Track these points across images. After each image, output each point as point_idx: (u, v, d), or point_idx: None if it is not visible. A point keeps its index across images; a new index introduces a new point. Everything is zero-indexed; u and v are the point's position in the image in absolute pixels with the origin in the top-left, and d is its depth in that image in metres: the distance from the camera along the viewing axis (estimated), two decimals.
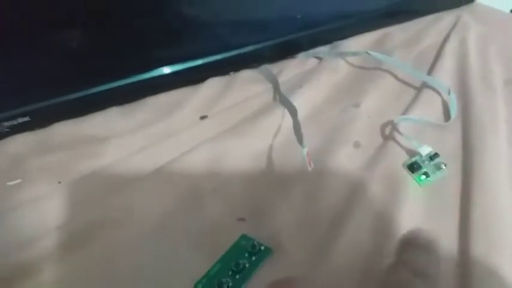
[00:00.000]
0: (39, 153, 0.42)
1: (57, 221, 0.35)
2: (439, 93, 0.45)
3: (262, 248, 0.31)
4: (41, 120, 0.45)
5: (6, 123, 0.43)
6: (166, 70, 0.49)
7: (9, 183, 0.39)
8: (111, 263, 0.32)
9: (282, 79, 0.50)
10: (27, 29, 0.41)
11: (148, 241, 0.33)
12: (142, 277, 0.30)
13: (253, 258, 0.30)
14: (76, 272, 0.31)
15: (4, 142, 0.43)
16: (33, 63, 0.42)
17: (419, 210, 0.34)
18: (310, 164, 0.34)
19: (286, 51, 0.55)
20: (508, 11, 0.80)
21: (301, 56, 0.54)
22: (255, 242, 0.31)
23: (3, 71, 0.41)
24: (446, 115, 0.43)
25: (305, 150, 0.33)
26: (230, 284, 0.28)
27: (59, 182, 0.38)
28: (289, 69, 0.52)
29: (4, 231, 0.35)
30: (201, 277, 0.29)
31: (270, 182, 0.38)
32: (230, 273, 0.29)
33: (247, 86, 0.50)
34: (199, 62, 0.51)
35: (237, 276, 0.29)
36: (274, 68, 0.53)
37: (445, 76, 0.48)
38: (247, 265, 0.30)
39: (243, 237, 0.32)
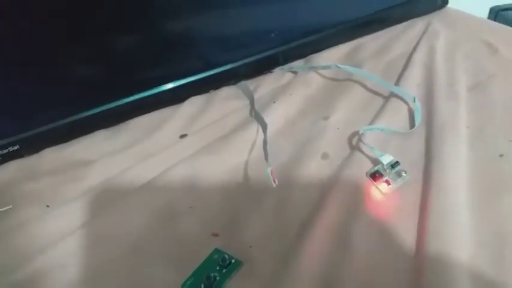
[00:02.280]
0: (28, 179, 0.44)
1: (46, 243, 0.38)
2: (405, 102, 0.48)
3: (233, 261, 0.33)
4: (30, 147, 0.48)
5: None
6: (149, 92, 0.52)
7: (0, 210, 0.42)
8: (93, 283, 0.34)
9: (258, 94, 0.53)
10: (15, 65, 0.44)
11: (126, 260, 0.36)
12: None
13: (224, 270, 0.32)
14: None
15: None
16: (22, 95, 0.45)
17: (380, 216, 0.36)
18: (274, 181, 0.36)
19: (263, 67, 0.57)
20: (484, 13, 0.82)
21: (277, 70, 0.57)
22: (226, 255, 0.33)
23: None
24: (412, 123, 0.45)
25: (269, 169, 0.36)
26: None
27: (47, 206, 0.41)
28: (265, 85, 0.55)
29: None
30: None
31: (243, 197, 0.40)
32: (202, 286, 0.31)
33: (225, 103, 0.52)
34: (180, 82, 0.53)
35: None
36: (251, 83, 0.56)
37: (412, 85, 0.50)
38: (218, 278, 0.32)
39: (216, 251, 0.34)
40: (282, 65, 0.58)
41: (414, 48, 0.57)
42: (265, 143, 0.40)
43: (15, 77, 0.45)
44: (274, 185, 0.36)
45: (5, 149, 0.46)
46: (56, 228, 0.39)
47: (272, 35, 0.56)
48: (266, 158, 0.37)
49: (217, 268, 0.33)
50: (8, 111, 0.46)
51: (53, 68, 0.47)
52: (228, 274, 0.32)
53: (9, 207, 0.41)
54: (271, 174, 0.35)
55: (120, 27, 0.48)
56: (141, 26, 0.49)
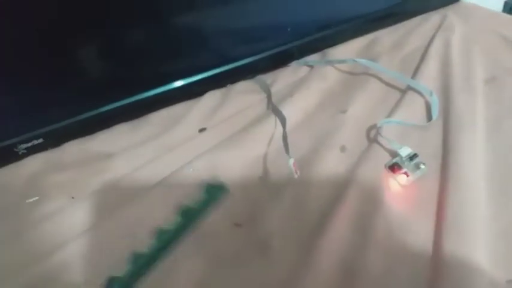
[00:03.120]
0: (53, 172, 0.46)
1: (72, 233, 0.39)
2: (422, 95, 0.48)
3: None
4: (54, 140, 0.49)
5: (22, 146, 0.47)
6: (168, 87, 0.53)
7: (28, 201, 0.43)
8: None
9: (275, 88, 0.53)
10: (39, 60, 0.45)
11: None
12: None
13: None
14: None
15: (21, 163, 0.47)
16: (44, 89, 0.46)
17: (399, 209, 0.37)
18: (296, 173, 0.37)
19: (279, 61, 0.58)
20: (498, 6, 0.82)
21: (293, 64, 0.58)
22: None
23: (19, 99, 0.45)
24: (429, 116, 0.46)
25: (291, 161, 0.36)
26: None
27: (72, 197, 0.42)
28: (282, 79, 0.55)
29: (26, 245, 0.39)
30: None
31: (263, 189, 0.41)
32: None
33: (243, 97, 0.53)
34: (198, 77, 0.54)
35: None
36: (268, 77, 0.56)
37: (428, 78, 0.50)
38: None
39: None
40: (298, 59, 0.58)
41: (430, 42, 0.57)
42: (285, 136, 0.40)
43: (38, 72, 0.46)
44: (296, 176, 0.37)
45: (30, 142, 0.47)
46: (81, 219, 0.40)
47: (288, 29, 0.56)
48: (287, 151, 0.38)
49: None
50: (32, 105, 0.47)
51: (75, 63, 0.48)
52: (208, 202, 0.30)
53: (36, 198, 0.43)
54: (294, 165, 0.36)
55: (139, 22, 0.49)
56: (160, 20, 0.50)
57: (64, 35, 0.45)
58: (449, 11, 0.64)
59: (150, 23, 0.50)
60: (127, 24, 0.49)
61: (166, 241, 0.24)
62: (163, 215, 0.38)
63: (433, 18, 0.63)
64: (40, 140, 0.48)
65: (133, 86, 0.52)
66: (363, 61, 0.51)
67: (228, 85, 0.56)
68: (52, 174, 0.45)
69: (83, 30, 0.46)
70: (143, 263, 0.23)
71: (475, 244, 0.33)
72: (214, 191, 0.26)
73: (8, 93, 0.45)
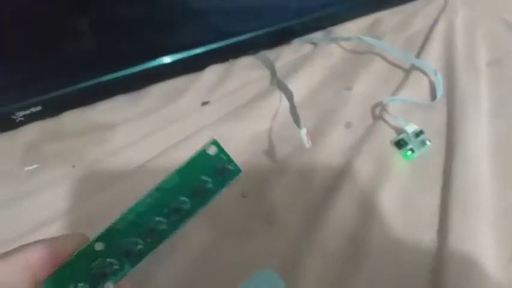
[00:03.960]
0: (52, 140, 0.45)
1: (72, 203, 0.38)
2: (426, 74, 0.48)
3: (231, 166, 0.23)
4: (52, 109, 0.48)
5: (20, 113, 0.46)
6: (169, 59, 0.52)
7: (26, 168, 0.42)
8: None
9: (278, 64, 0.53)
10: (36, 25, 0.43)
11: None
12: None
13: (219, 178, 0.22)
14: None
15: (19, 131, 0.46)
16: (43, 56, 0.45)
17: (405, 182, 0.37)
18: (308, 143, 0.37)
19: (283, 37, 0.57)
20: None
21: (296, 41, 0.57)
22: (223, 155, 0.22)
23: (16, 65, 0.44)
24: (433, 95, 0.46)
25: (304, 130, 0.36)
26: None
27: (73, 166, 0.41)
28: (285, 55, 0.54)
29: (24, 213, 0.38)
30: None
31: (268, 162, 0.41)
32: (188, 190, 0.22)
33: (246, 72, 0.52)
34: (199, 50, 0.53)
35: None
36: (271, 54, 0.56)
37: (432, 58, 0.50)
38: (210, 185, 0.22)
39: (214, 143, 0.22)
40: (301, 36, 0.57)
41: (433, 24, 0.57)
42: (293, 108, 0.40)
43: (36, 39, 0.44)
44: (308, 146, 0.37)
45: (28, 109, 0.46)
46: (83, 188, 0.39)
47: (293, 4, 0.55)
48: (297, 123, 0.38)
49: (210, 172, 0.22)
50: (30, 72, 0.46)
51: (73, 31, 0.47)
52: (223, 184, 0.22)
53: (35, 166, 0.42)
54: (306, 135, 0.36)
55: None
56: None
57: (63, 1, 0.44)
58: None
59: None
60: None
61: (177, 222, 0.22)
62: None
63: (436, 1, 0.63)
64: (38, 108, 0.46)
65: (133, 56, 0.50)
66: (368, 39, 0.51)
67: (230, 60, 0.55)
68: (51, 143, 0.44)
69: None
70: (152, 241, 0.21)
71: (479, 219, 0.33)
72: (228, 173, 0.22)
73: (6, 59, 0.44)
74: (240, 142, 0.43)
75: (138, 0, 0.48)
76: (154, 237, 0.21)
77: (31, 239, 0.21)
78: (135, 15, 0.49)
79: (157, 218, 0.21)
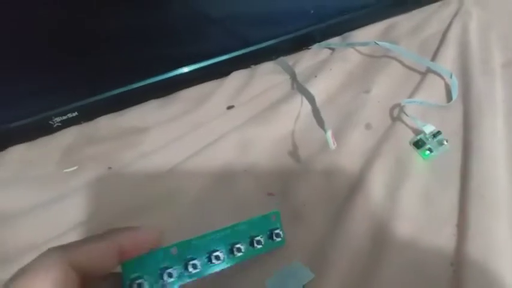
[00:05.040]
0: (88, 144, 0.48)
1: (109, 203, 0.41)
2: (442, 77, 0.50)
3: (279, 239, 0.30)
4: (87, 114, 0.51)
5: (57, 119, 0.49)
6: (195, 66, 0.55)
7: (65, 170, 0.45)
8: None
9: (298, 69, 0.55)
10: (74, 36, 0.46)
11: (188, 216, 0.39)
12: None
13: (269, 241, 0.30)
14: None
15: (56, 135, 0.49)
16: (80, 65, 0.48)
17: (424, 180, 0.39)
18: (334, 143, 0.39)
19: (301, 43, 0.60)
20: None
21: (314, 47, 0.59)
22: (279, 230, 0.30)
23: (53, 73, 0.47)
24: (449, 97, 0.48)
25: (330, 132, 0.38)
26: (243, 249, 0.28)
27: (110, 168, 0.44)
28: (304, 60, 0.57)
29: (64, 213, 0.41)
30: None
31: (293, 163, 0.43)
32: (244, 242, 0.28)
33: (267, 77, 0.55)
34: (223, 57, 0.56)
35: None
36: (290, 59, 0.58)
37: (447, 62, 0.52)
38: (261, 245, 0.29)
39: (276, 213, 0.31)
40: (319, 41, 0.60)
41: (448, 27, 0.59)
42: (316, 111, 0.42)
43: (73, 49, 0.47)
44: (333, 147, 0.39)
45: (65, 115, 0.49)
46: (119, 189, 0.42)
47: (311, 11, 0.58)
48: (321, 125, 0.40)
49: (266, 233, 0.30)
50: (68, 79, 0.49)
51: (107, 41, 0.49)
52: (268, 248, 0.29)
53: (75, 168, 0.45)
54: (332, 137, 0.38)
55: (168, 2, 0.51)
56: (188, 2, 0.52)
57: (98, 9, 0.47)
58: None
59: (180, 4, 0.52)
60: (157, 3, 0.50)
61: (231, 259, 0.28)
62: (201, 181, 0.41)
63: (450, 4, 0.64)
64: (75, 114, 0.50)
65: (163, 64, 0.53)
66: (385, 44, 0.53)
67: (251, 66, 0.58)
68: (88, 146, 0.47)
69: (117, 7, 0.48)
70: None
71: (497, 214, 0.35)
72: (276, 241, 0.30)
73: (44, 68, 0.47)
74: (265, 144, 0.45)
75: (168, 13, 0.51)
76: (212, 264, 0.26)
77: (70, 239, 0.23)
78: (164, 26, 0.52)
79: (222, 249, 0.26)
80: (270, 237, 0.29)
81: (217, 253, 0.26)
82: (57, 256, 0.20)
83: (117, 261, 0.22)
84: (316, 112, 0.42)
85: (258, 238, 0.28)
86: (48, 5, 0.44)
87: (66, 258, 0.20)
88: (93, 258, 0.21)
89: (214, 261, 0.26)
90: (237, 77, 0.55)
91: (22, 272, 0.19)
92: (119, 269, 0.23)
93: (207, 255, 0.26)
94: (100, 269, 0.21)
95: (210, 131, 0.47)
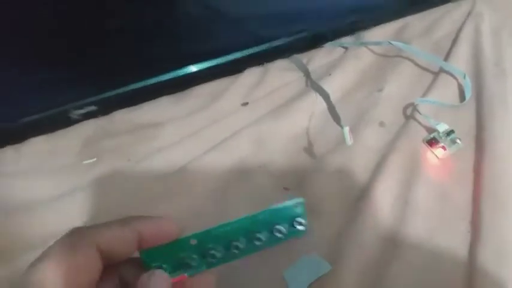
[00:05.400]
0: (107, 136, 0.49)
1: (129, 193, 0.42)
2: (454, 77, 0.51)
3: (301, 227, 0.27)
4: (105, 108, 0.52)
5: (76, 112, 0.50)
6: (210, 63, 0.56)
7: (85, 162, 0.46)
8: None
9: (311, 67, 0.56)
10: (92, 34, 0.48)
11: (205, 208, 0.40)
12: None
13: (291, 229, 0.27)
14: None
15: (76, 127, 0.50)
16: (99, 61, 0.49)
17: (438, 177, 0.40)
18: (351, 139, 0.40)
19: (314, 42, 0.61)
20: None
21: (328, 45, 0.60)
22: (302, 219, 0.27)
23: (74, 69, 0.48)
24: (461, 97, 0.48)
25: (347, 128, 0.39)
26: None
27: (129, 160, 0.45)
28: (317, 58, 0.58)
29: (85, 203, 0.42)
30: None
31: (307, 159, 0.44)
32: (263, 231, 0.26)
33: (281, 75, 0.56)
34: (237, 54, 0.57)
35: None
36: (303, 57, 0.59)
37: (460, 62, 0.53)
38: (282, 234, 0.27)
39: (300, 204, 0.27)
40: (332, 40, 0.61)
41: (460, 28, 0.59)
42: (332, 108, 0.43)
43: (93, 45, 0.49)
44: (350, 143, 0.40)
45: (84, 108, 0.50)
46: (138, 180, 0.43)
47: (325, 10, 0.59)
48: (337, 121, 0.41)
49: (288, 222, 0.27)
50: (86, 75, 0.50)
51: (124, 39, 0.50)
52: (290, 236, 0.27)
53: (94, 159, 0.46)
54: (349, 132, 0.39)
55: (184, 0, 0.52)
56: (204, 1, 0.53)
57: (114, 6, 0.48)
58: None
59: (196, 2, 0.53)
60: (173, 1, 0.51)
61: (252, 248, 0.27)
62: (218, 174, 0.42)
63: (462, 6, 0.65)
64: (93, 107, 0.51)
65: (178, 60, 0.54)
66: (399, 43, 0.54)
67: (265, 63, 0.59)
68: (106, 139, 0.48)
69: (136, 5, 0.49)
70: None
71: (509, 211, 0.36)
72: (298, 230, 0.27)
73: (66, 62, 0.48)
74: (281, 140, 0.46)
75: (184, 11, 0.52)
76: (232, 253, 0.25)
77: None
78: (180, 24, 0.53)
79: (241, 239, 0.25)
80: (292, 225, 0.27)
81: (236, 243, 0.26)
82: (82, 235, 0.21)
83: (136, 248, 0.22)
84: (331, 109, 0.43)
85: (279, 227, 0.27)
86: (69, 3, 0.45)
87: (90, 238, 0.20)
88: (114, 242, 0.21)
89: (233, 250, 0.25)
90: (251, 74, 0.56)
91: (49, 251, 0.20)
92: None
93: (226, 245, 0.25)
94: (120, 253, 0.21)
95: (225, 127, 0.48)
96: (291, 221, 0.27)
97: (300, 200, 0.26)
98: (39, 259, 0.19)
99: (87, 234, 0.21)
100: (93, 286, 0.20)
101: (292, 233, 0.27)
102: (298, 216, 0.27)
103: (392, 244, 0.36)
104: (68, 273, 0.19)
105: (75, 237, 0.21)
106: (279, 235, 0.27)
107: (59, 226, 0.39)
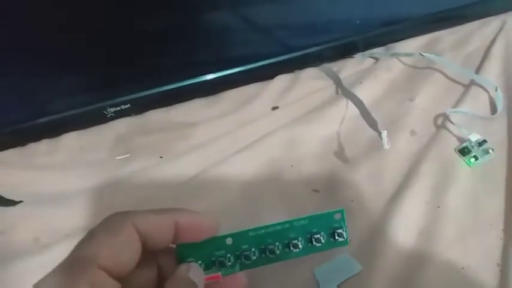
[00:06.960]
0: (140, 134, 0.50)
1: (160, 189, 0.43)
2: (486, 90, 0.51)
3: (342, 238, 0.26)
4: (139, 107, 0.53)
5: (111, 109, 0.52)
6: (242, 68, 0.57)
7: (118, 157, 0.47)
8: None
9: (342, 76, 0.56)
10: (128, 37, 0.49)
11: (236, 205, 0.41)
12: None
13: (331, 239, 0.26)
14: None
15: (110, 124, 0.52)
16: (136, 61, 0.51)
17: (470, 186, 0.40)
18: (388, 143, 0.40)
19: (345, 52, 0.61)
20: None
21: (358, 56, 0.61)
22: (344, 229, 0.26)
23: (113, 67, 0.50)
24: (492, 109, 0.49)
25: (385, 132, 0.40)
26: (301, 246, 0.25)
27: (161, 157, 0.46)
28: (348, 68, 0.58)
29: (117, 197, 0.43)
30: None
31: (338, 162, 0.44)
32: (301, 238, 0.25)
33: (312, 82, 0.56)
34: (269, 61, 0.58)
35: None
36: (334, 66, 0.60)
37: (491, 76, 0.53)
38: (320, 243, 0.26)
39: (340, 211, 0.26)
40: (363, 51, 0.61)
41: (491, 43, 0.59)
42: (367, 113, 0.44)
43: (131, 46, 0.50)
44: (387, 147, 0.40)
45: (118, 106, 0.52)
46: (172, 175, 0.44)
47: (357, 22, 0.60)
48: (374, 126, 0.41)
49: (327, 231, 0.26)
50: (121, 75, 0.51)
51: (160, 42, 0.52)
52: (330, 246, 0.26)
53: (127, 155, 0.47)
54: (387, 136, 0.39)
55: (218, 8, 0.54)
56: (238, 9, 0.54)
57: (157, 14, 0.49)
58: (509, 17, 0.66)
59: (232, 11, 0.54)
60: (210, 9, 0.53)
61: (287, 254, 0.26)
62: (250, 173, 0.43)
63: (493, 22, 0.65)
64: (127, 106, 0.52)
65: (211, 65, 0.56)
66: (430, 55, 0.54)
67: (295, 71, 0.60)
68: (139, 136, 0.49)
69: (174, 10, 0.50)
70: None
71: None
72: (339, 240, 0.26)
73: (103, 62, 0.50)
74: (311, 144, 0.47)
75: (219, 18, 0.53)
76: (267, 257, 0.25)
77: None
78: (215, 30, 0.55)
79: (277, 243, 0.25)
80: (332, 236, 0.26)
81: (271, 247, 0.25)
82: (123, 217, 0.21)
83: (172, 237, 0.22)
84: (366, 114, 0.44)
85: (317, 236, 0.26)
86: (111, 5, 0.47)
87: (130, 219, 0.21)
88: (152, 227, 0.21)
89: (269, 254, 0.25)
90: (281, 80, 0.57)
91: (94, 230, 0.20)
92: None
93: (261, 248, 0.25)
94: (157, 239, 0.22)
95: (256, 129, 0.49)
96: (329, 230, 0.26)
97: (340, 209, 0.26)
98: (86, 238, 0.20)
99: (128, 216, 0.21)
100: (133, 266, 0.21)
101: (332, 244, 0.26)
102: (337, 225, 0.26)
103: (423, 248, 0.36)
104: (111, 252, 0.20)
105: (117, 218, 0.21)
106: (317, 244, 0.26)
107: (89, 219, 0.40)
